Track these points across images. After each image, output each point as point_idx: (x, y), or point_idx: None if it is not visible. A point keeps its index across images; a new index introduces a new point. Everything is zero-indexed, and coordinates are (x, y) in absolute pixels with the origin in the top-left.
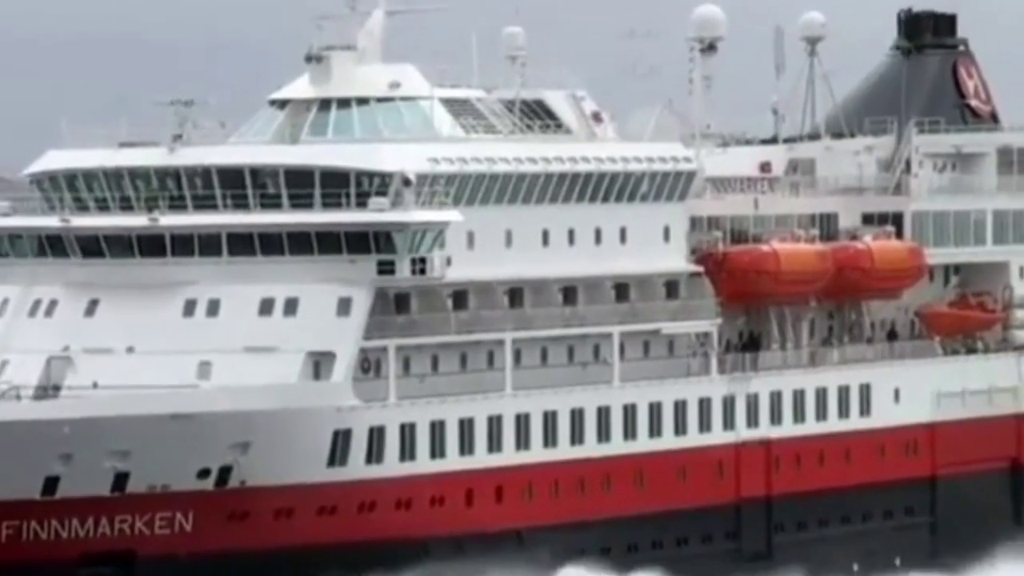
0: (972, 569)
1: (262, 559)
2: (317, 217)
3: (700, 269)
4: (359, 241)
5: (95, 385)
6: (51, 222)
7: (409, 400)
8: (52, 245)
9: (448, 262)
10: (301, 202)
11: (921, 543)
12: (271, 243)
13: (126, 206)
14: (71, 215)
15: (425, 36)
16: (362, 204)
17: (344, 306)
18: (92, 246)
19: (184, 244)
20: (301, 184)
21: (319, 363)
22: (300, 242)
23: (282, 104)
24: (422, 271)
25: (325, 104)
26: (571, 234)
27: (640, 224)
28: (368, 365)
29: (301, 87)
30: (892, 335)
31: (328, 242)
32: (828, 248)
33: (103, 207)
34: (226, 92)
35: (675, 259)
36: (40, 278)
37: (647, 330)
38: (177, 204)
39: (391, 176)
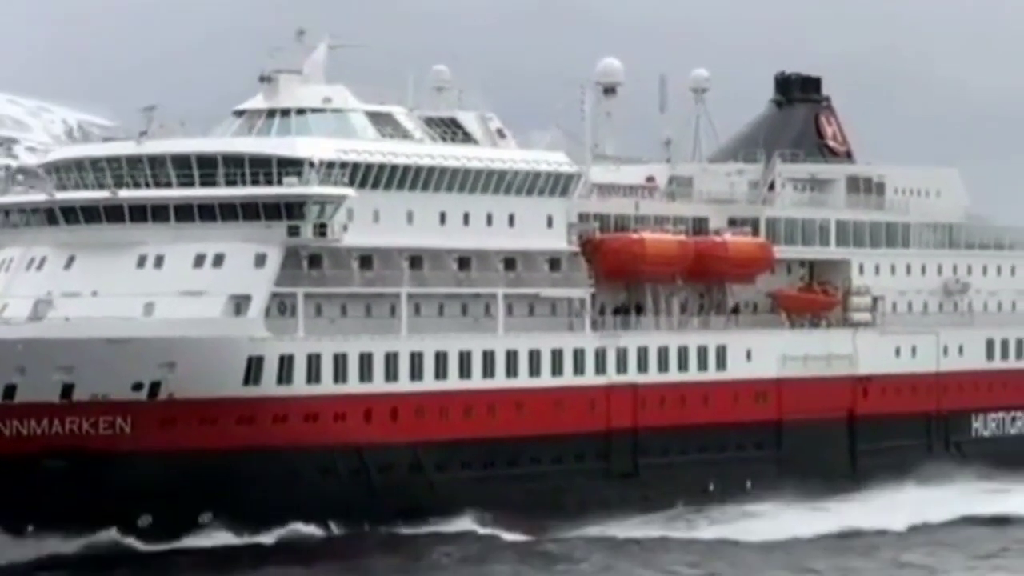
0: (813, 490)
1: (190, 457)
2: (241, 191)
3: (577, 249)
4: (274, 210)
5: (66, 319)
6: (41, 197)
7: (316, 336)
8: (47, 215)
9: (345, 228)
10: (234, 180)
11: (769, 471)
12: (207, 212)
13: (104, 185)
14: (57, 192)
15: (376, 68)
16: (279, 182)
17: (260, 260)
18: (71, 215)
19: (139, 212)
20: (235, 166)
21: (239, 304)
22: (228, 211)
23: (240, 113)
24: (322, 234)
25: (271, 113)
26: (466, 216)
27: (526, 212)
28: (284, 308)
29: (255, 101)
30: (736, 310)
31: (250, 211)
32: (690, 239)
33: (90, 186)
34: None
35: (557, 241)
36: (36, 241)
37: (529, 293)
38: (142, 183)
39: (301, 161)
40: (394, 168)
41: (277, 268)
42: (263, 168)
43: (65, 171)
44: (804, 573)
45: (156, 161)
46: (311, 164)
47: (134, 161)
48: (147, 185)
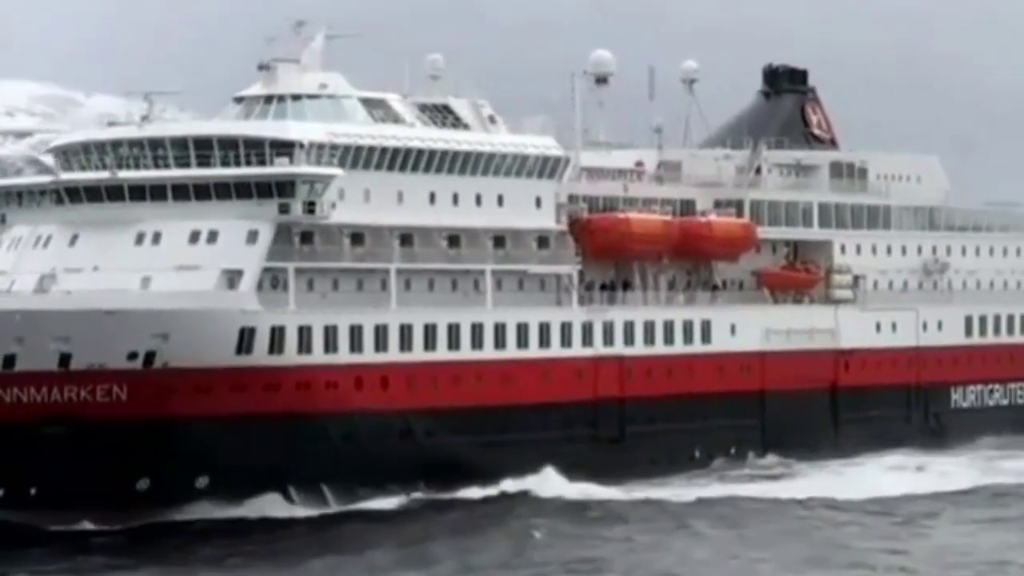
0: (795, 456)
1: (184, 423)
2: (234, 171)
3: (565, 228)
4: (265, 189)
5: (68, 292)
6: (45, 179)
7: (307, 309)
8: (53, 195)
9: (334, 206)
10: (229, 161)
11: (753, 438)
12: (202, 191)
13: (107, 166)
14: (62, 173)
15: (374, 58)
16: (272, 163)
17: (252, 236)
18: (75, 195)
19: (138, 192)
20: (230, 148)
21: (232, 278)
22: (222, 190)
23: (240, 100)
24: (311, 211)
25: (268, 99)
26: (455, 196)
27: (515, 193)
28: (276, 282)
29: (254, 88)
30: (715, 287)
31: (242, 190)
32: (675, 220)
33: (95, 167)
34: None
35: (545, 220)
36: (43, 220)
37: (517, 270)
38: (143, 164)
39: (292, 143)
40: (384, 150)
41: (268, 244)
42: (256, 150)
43: (72, 154)
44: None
45: (156, 144)
46: (301, 146)
47: (135, 144)
48: (148, 166)
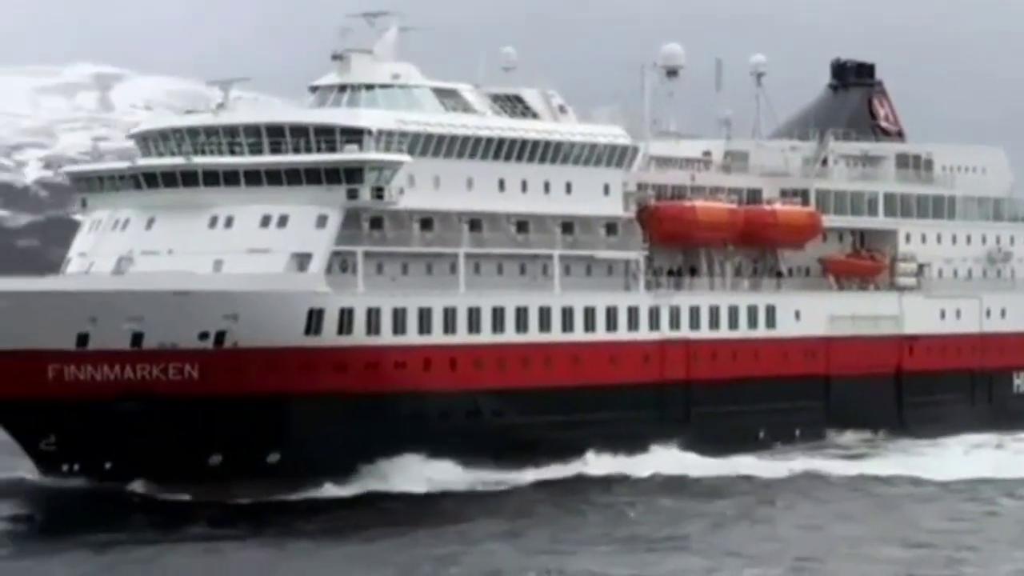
0: (858, 438)
1: (254, 400)
2: (305, 158)
3: (633, 216)
4: (334, 175)
5: (140, 274)
6: (123, 165)
7: (375, 291)
8: (132, 180)
9: (402, 192)
10: (300, 148)
11: (817, 421)
12: (273, 177)
13: (185, 152)
14: (140, 159)
15: (452, 49)
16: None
17: (321, 221)
18: (152, 180)
19: (212, 177)
20: (301, 135)
21: (301, 261)
22: (293, 176)
23: (314, 89)
24: (379, 197)
25: (342, 88)
26: (523, 183)
27: (584, 180)
28: (345, 266)
29: (329, 77)
30: (778, 274)
31: (312, 176)
32: (740, 208)
33: (173, 153)
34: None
35: (613, 207)
36: (122, 204)
37: (584, 255)
38: (218, 151)
39: (361, 130)
40: (453, 138)
41: (337, 228)
42: (327, 137)
43: (152, 140)
44: None
45: (230, 131)
46: (370, 133)
47: (211, 131)
48: (222, 153)
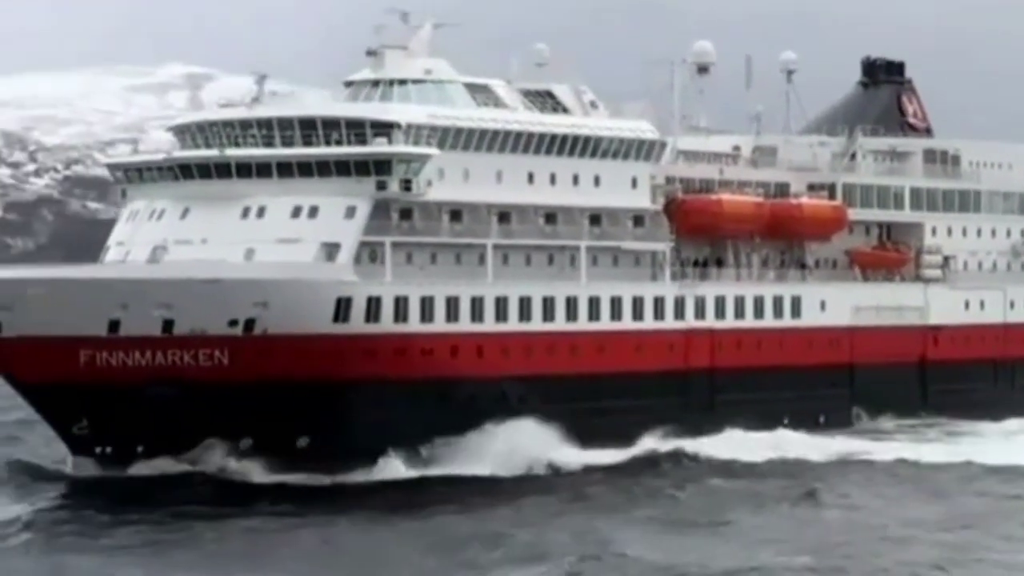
0: (881, 423)
1: (283, 385)
2: (335, 150)
3: (660, 208)
4: (363, 167)
5: (170, 263)
6: (158, 156)
7: (403, 280)
8: (168, 172)
9: (430, 184)
10: (332, 141)
11: (842, 409)
12: (304, 168)
13: (221, 145)
14: (176, 151)
15: (488, 46)
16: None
17: (350, 212)
18: (187, 171)
19: (245, 169)
20: (333, 128)
21: (330, 251)
22: (323, 168)
23: (349, 84)
24: (407, 189)
25: (376, 84)
26: (552, 176)
27: (611, 173)
28: (374, 256)
29: (363, 73)
30: (803, 265)
31: (342, 168)
32: (766, 201)
33: (210, 146)
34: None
35: (641, 200)
36: (158, 194)
37: (611, 246)
38: (252, 143)
39: (391, 124)
40: (483, 132)
41: (366, 219)
42: (357, 130)
43: (189, 133)
44: None
45: (264, 124)
46: (399, 126)
47: (246, 124)
48: (257, 145)
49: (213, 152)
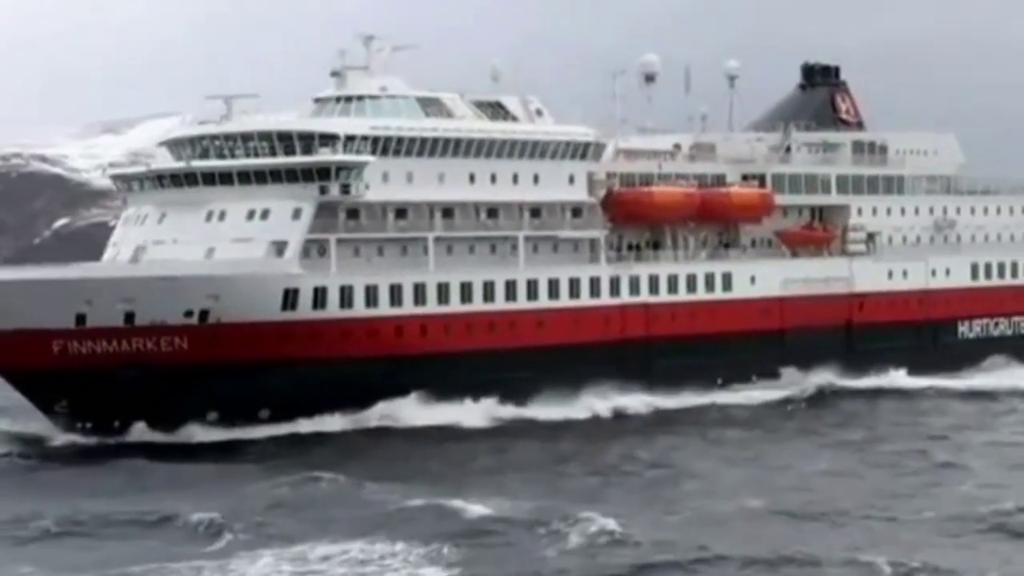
0: (810, 378)
1: (236, 366)
2: (285, 160)
3: (595, 200)
4: (308, 174)
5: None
6: (140, 168)
7: (348, 271)
8: (153, 181)
9: (367, 187)
10: (286, 151)
11: (773, 368)
12: (259, 176)
13: (196, 157)
14: (153, 163)
15: (448, 66)
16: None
17: (297, 213)
18: (164, 181)
19: (209, 178)
20: (287, 140)
21: (279, 248)
22: (275, 175)
23: (316, 100)
24: (346, 192)
25: (337, 100)
26: (493, 176)
27: (549, 172)
28: (323, 251)
29: (328, 91)
30: (727, 245)
31: (291, 175)
32: (697, 191)
33: (191, 157)
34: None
35: (578, 194)
36: (144, 201)
37: (549, 235)
38: (223, 155)
39: (334, 135)
40: (424, 139)
41: (311, 219)
42: (307, 142)
43: (174, 146)
44: None
45: (231, 138)
46: (338, 138)
47: (215, 138)
48: (226, 156)
49: (182, 164)
